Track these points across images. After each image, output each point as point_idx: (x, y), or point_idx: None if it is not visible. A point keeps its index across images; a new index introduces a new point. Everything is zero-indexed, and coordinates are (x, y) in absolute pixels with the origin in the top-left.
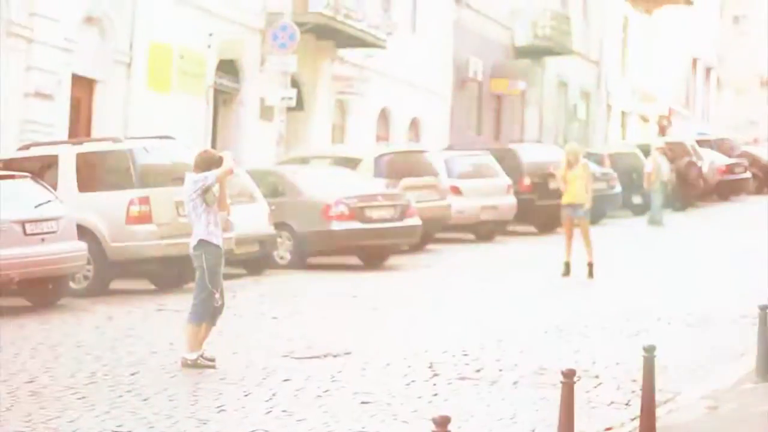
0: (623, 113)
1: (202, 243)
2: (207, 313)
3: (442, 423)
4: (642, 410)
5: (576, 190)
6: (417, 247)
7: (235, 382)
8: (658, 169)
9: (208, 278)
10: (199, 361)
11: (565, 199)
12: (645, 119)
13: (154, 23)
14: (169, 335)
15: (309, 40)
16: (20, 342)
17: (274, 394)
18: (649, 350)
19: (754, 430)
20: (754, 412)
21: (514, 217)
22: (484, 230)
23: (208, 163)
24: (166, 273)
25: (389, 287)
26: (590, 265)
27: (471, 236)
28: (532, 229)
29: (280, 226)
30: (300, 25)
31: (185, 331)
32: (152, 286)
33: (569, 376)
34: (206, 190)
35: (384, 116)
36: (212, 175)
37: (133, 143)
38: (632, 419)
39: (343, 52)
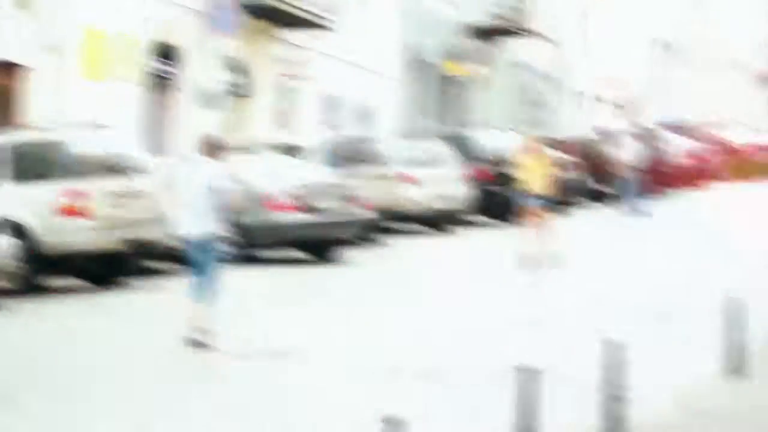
0: (585, 97)
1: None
2: None
3: (394, 424)
4: (603, 405)
5: (534, 178)
6: (369, 239)
7: (176, 382)
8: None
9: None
10: None
11: (523, 188)
12: (608, 103)
13: (88, 7)
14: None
15: (250, 21)
16: None
17: (217, 394)
18: (608, 344)
19: (721, 425)
20: (720, 405)
21: (473, 207)
22: (438, 220)
23: (215, 146)
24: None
25: (341, 283)
26: (552, 254)
27: (426, 228)
28: (492, 220)
29: None
30: (241, 6)
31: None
32: (87, 283)
33: (525, 371)
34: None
35: (332, 101)
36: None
37: (65, 133)
38: (597, 414)
39: (287, 35)
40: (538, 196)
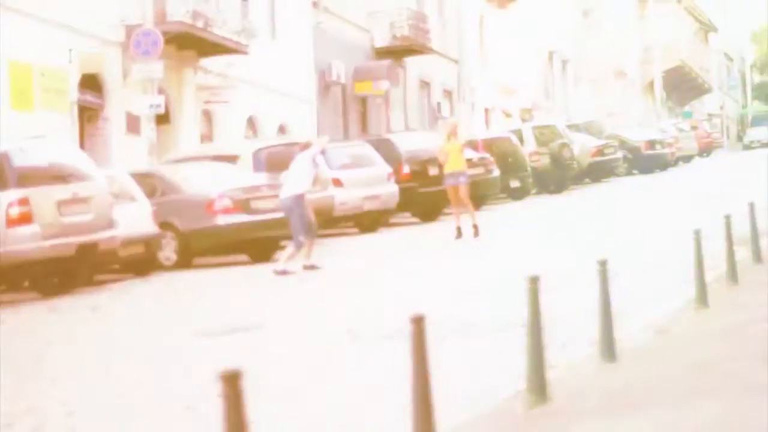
0: (486, 110)
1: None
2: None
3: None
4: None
5: (455, 159)
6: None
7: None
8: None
9: None
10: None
11: (446, 169)
12: (508, 114)
13: (12, 41)
14: None
15: (171, 50)
16: None
17: None
18: (533, 281)
19: None
20: None
21: (395, 206)
22: (368, 221)
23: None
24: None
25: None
26: (475, 226)
27: (354, 229)
28: (414, 219)
29: (164, 226)
30: (162, 34)
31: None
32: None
33: (418, 322)
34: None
35: (252, 124)
36: None
37: (8, 145)
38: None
39: (205, 62)
40: (458, 174)
